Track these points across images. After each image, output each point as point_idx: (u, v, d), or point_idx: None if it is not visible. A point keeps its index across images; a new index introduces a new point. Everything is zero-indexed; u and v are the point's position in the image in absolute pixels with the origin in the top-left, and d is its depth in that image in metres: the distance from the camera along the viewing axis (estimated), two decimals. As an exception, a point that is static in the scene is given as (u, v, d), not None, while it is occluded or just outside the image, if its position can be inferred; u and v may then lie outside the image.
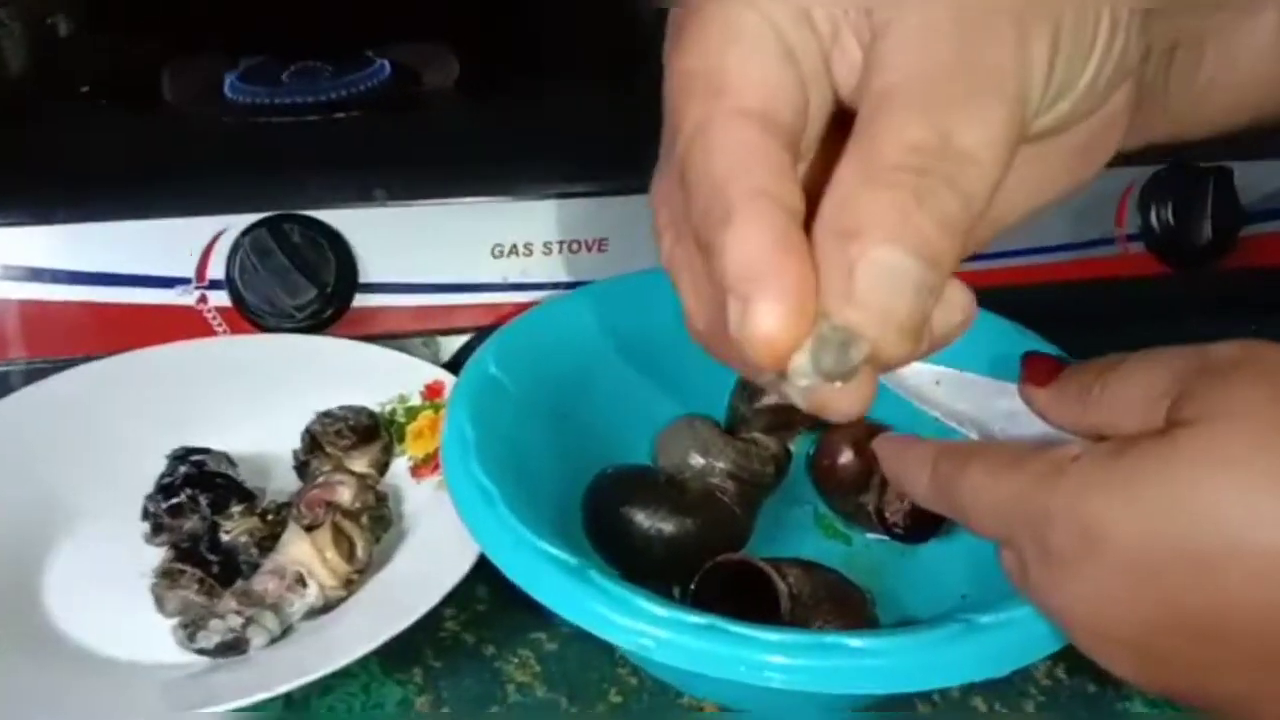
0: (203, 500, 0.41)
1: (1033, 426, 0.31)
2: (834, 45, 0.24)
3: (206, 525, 0.41)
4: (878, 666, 0.29)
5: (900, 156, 0.21)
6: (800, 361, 0.21)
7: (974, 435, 0.32)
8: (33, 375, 0.48)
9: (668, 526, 0.39)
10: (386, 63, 0.62)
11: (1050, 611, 0.28)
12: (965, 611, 0.31)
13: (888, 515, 0.42)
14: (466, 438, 0.36)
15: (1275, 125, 0.34)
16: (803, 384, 0.21)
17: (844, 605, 0.37)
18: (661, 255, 0.27)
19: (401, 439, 0.46)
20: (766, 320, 0.20)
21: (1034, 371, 0.31)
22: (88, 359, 0.48)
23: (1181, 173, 0.58)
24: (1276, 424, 0.25)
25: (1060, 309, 0.58)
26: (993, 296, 0.55)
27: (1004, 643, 0.30)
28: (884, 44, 0.22)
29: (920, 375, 0.33)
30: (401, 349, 0.50)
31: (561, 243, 0.53)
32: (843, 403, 0.22)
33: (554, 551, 0.32)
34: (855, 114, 0.22)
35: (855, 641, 0.30)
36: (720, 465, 0.41)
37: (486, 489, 0.34)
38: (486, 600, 0.40)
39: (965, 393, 0.33)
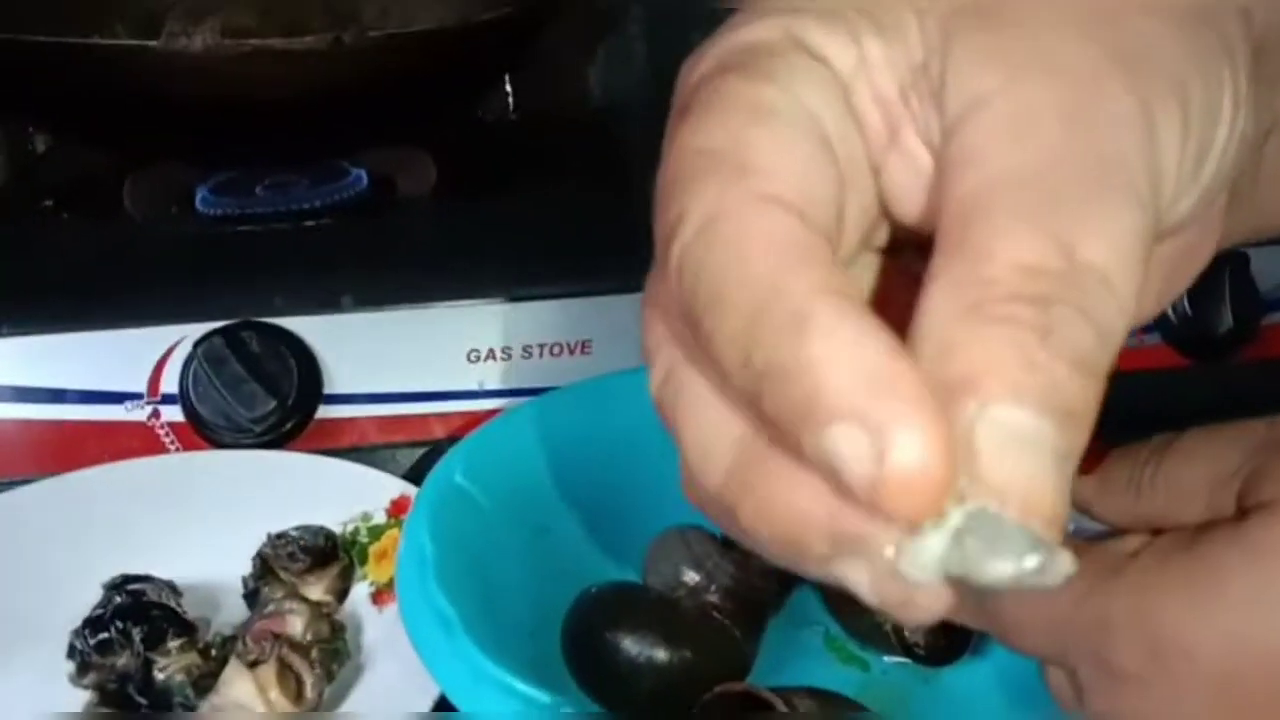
0: (135, 634, 0.36)
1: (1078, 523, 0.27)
2: (890, 146, 0.19)
3: (139, 662, 0.36)
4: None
5: (1013, 280, 0.15)
6: (933, 542, 0.15)
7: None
8: (-33, 500, 0.45)
9: (659, 654, 0.35)
10: (363, 172, 0.60)
11: None
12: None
13: (906, 634, 0.37)
14: (425, 555, 0.32)
15: None
16: (917, 574, 0.15)
17: (861, 741, 0.32)
18: (653, 383, 0.21)
19: (364, 561, 0.42)
20: (912, 450, 0.14)
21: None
22: (30, 480, 0.45)
23: (1195, 261, 0.55)
24: None
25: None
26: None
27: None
28: (967, 138, 0.17)
29: None
30: (369, 464, 0.46)
31: (542, 346, 0.50)
32: (931, 602, 0.16)
33: (521, 687, 0.27)
34: (909, 237, 0.18)
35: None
36: (717, 581, 0.37)
37: (445, 614, 0.30)
38: (455, 745, 0.36)
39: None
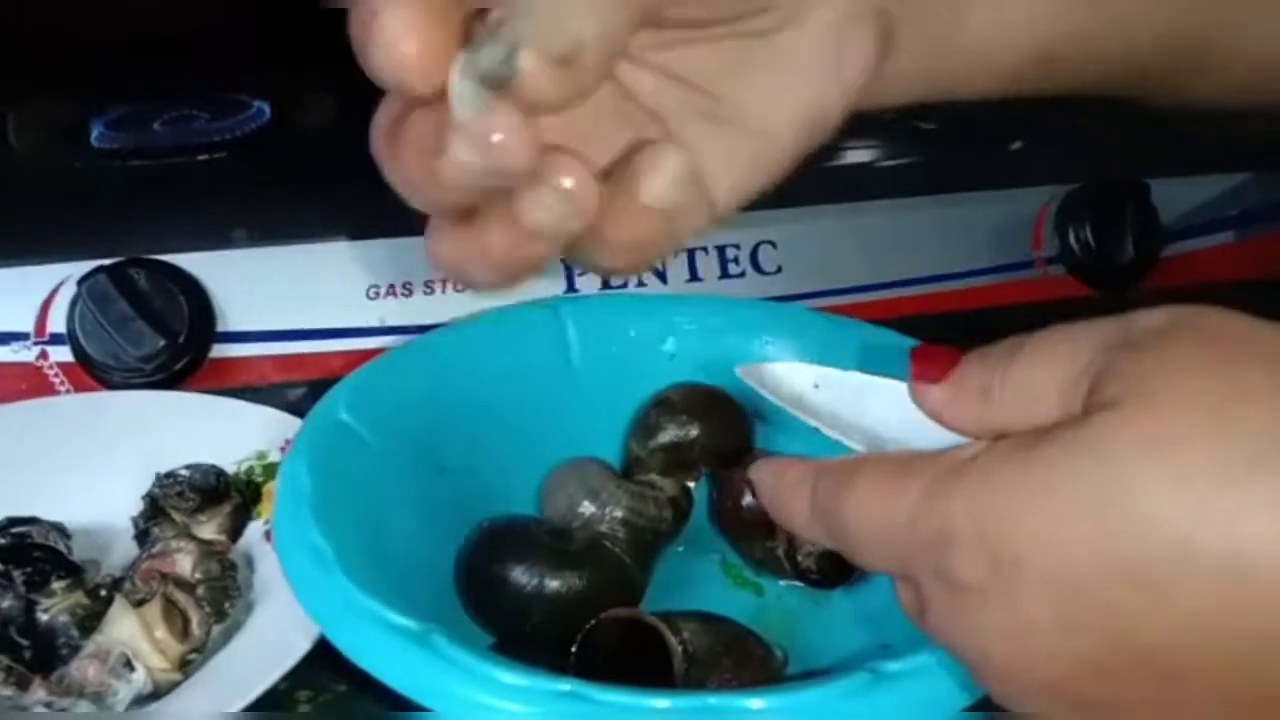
0: (17, 576, 0.36)
1: (932, 434, 0.25)
2: None
3: (22, 605, 0.35)
4: (769, 732, 0.25)
5: None
6: (455, 78, 0.20)
7: (861, 448, 0.27)
8: None
9: (550, 583, 0.35)
10: (266, 105, 0.58)
11: (959, 652, 0.23)
12: (877, 660, 0.27)
13: (799, 559, 0.38)
14: (302, 489, 0.31)
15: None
16: (465, 111, 0.20)
17: (745, 661, 0.32)
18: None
19: (257, 500, 0.41)
20: (393, 23, 0.20)
21: (925, 366, 0.25)
22: (-89, 424, 0.43)
23: (1098, 191, 0.56)
24: (1216, 399, 0.20)
25: (978, 336, 0.55)
26: (906, 324, 0.53)
27: (916, 694, 0.26)
28: None
29: (796, 376, 0.28)
30: (267, 403, 0.45)
31: (443, 281, 0.49)
32: (506, 127, 0.20)
33: (392, 618, 0.27)
34: None
35: (750, 702, 0.26)
36: (613, 512, 0.37)
37: (319, 548, 0.29)
38: (346, 682, 0.35)
39: (849, 397, 0.28)
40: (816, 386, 0.28)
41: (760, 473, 0.27)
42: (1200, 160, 0.59)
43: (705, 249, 0.52)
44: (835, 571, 0.38)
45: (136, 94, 0.58)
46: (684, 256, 0.51)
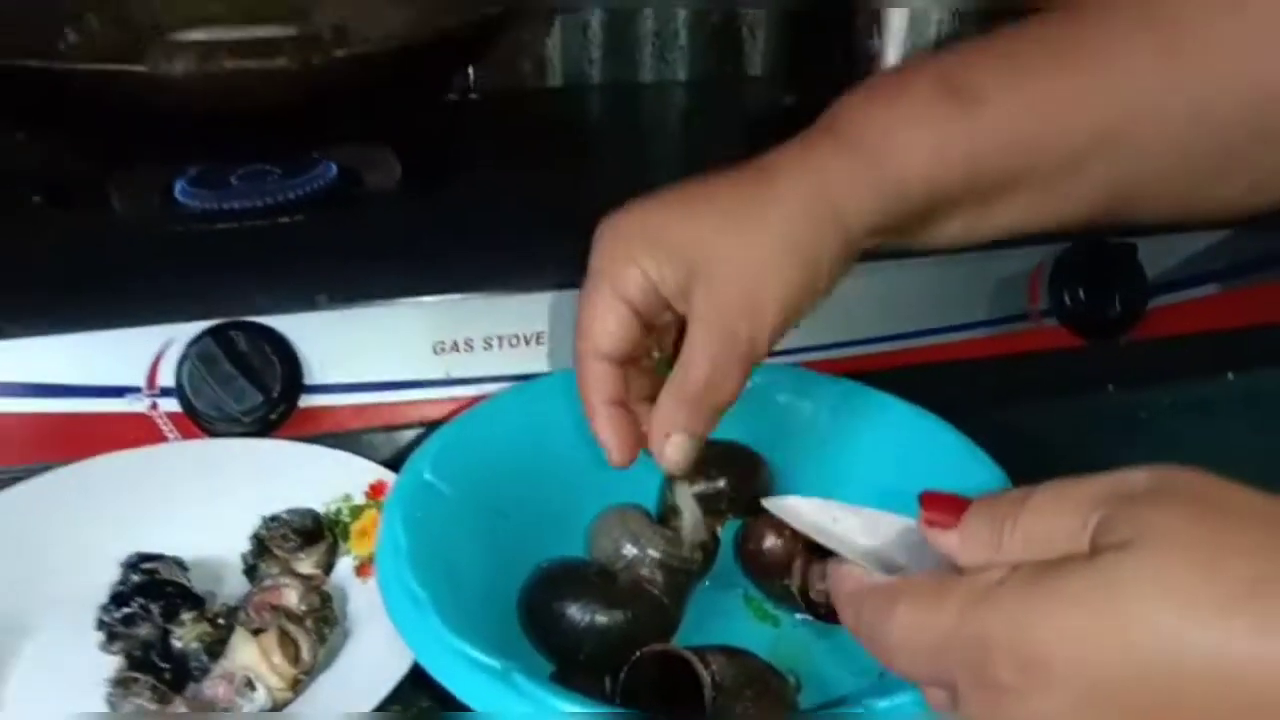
0: (154, 609, 0.42)
1: (936, 560, 0.31)
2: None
3: (158, 633, 0.42)
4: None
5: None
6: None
7: (876, 569, 0.32)
8: (-10, 485, 0.50)
9: (600, 619, 0.41)
10: (333, 164, 0.65)
11: None
12: (869, 696, 0.33)
13: (811, 595, 0.44)
14: (400, 545, 0.38)
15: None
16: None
17: (765, 691, 0.39)
18: None
19: (346, 538, 0.48)
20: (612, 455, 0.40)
21: (936, 513, 0.30)
22: (44, 468, 0.50)
23: (1088, 250, 0.62)
24: (1205, 547, 0.25)
25: (979, 384, 0.61)
26: (911, 375, 0.59)
27: (899, 726, 0.32)
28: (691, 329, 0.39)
29: (818, 512, 0.35)
30: (347, 447, 0.52)
31: (501, 337, 0.55)
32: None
33: (479, 657, 0.34)
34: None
35: (764, 731, 0.32)
36: (650, 554, 0.43)
37: (418, 595, 0.36)
38: (429, 699, 0.42)
39: (861, 526, 0.34)
40: (835, 520, 0.34)
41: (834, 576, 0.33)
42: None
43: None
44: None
45: (216, 154, 0.65)
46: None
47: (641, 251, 0.39)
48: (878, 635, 0.30)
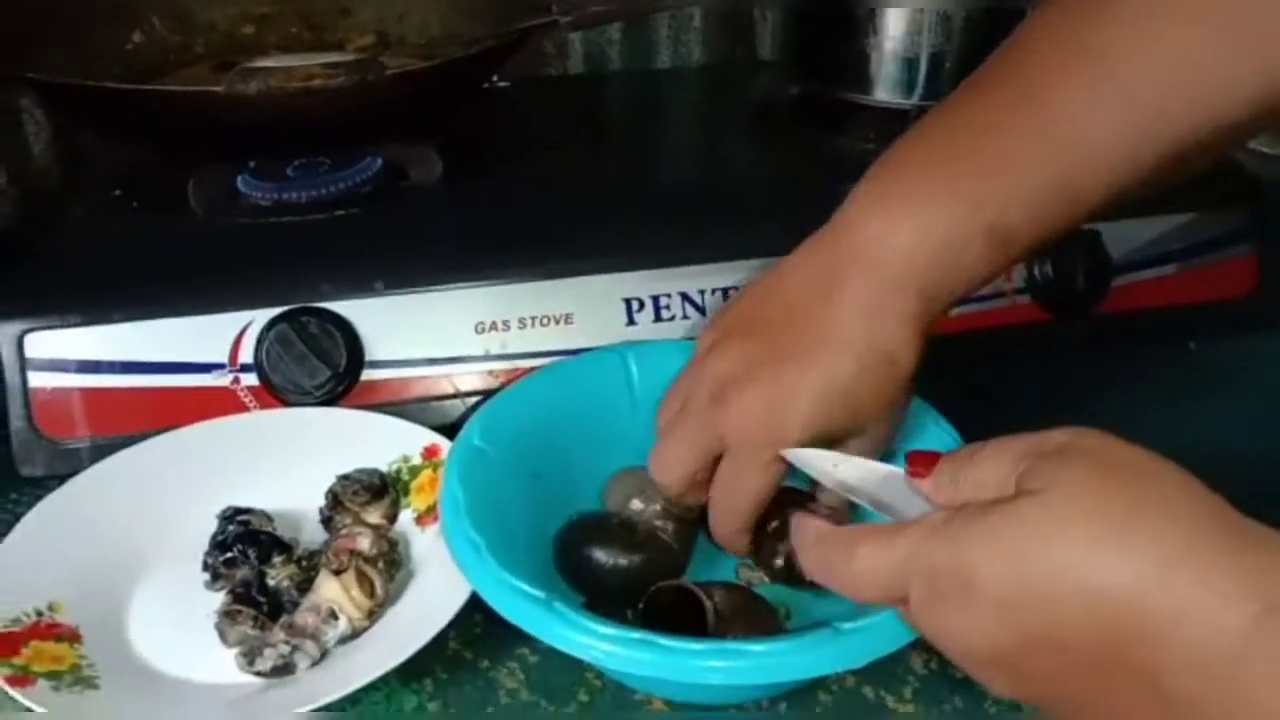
0: (251, 553, 0.51)
1: (913, 500, 0.39)
2: None
3: (255, 573, 0.51)
4: (766, 664, 0.39)
5: None
6: None
7: (868, 504, 0.42)
8: (97, 451, 0.58)
9: (621, 560, 0.49)
10: (378, 158, 0.72)
11: (938, 640, 0.36)
12: (837, 620, 0.41)
13: (773, 564, 0.51)
14: (458, 499, 0.46)
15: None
16: None
17: (756, 618, 0.47)
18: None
19: (406, 493, 0.56)
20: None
21: (916, 465, 0.39)
22: (143, 436, 0.58)
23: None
24: (1098, 497, 0.32)
25: (961, 353, 0.68)
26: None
27: (860, 642, 0.40)
28: None
29: (822, 459, 0.44)
30: (403, 415, 0.60)
31: (534, 318, 0.63)
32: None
33: (527, 589, 0.42)
34: None
35: (754, 647, 0.40)
36: (655, 505, 0.51)
37: (475, 541, 0.44)
38: (481, 624, 0.50)
39: (860, 473, 0.42)
40: (835, 465, 0.43)
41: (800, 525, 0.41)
42: (1148, 205, 0.71)
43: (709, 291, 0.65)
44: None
45: (276, 154, 0.72)
46: (704, 300, 0.65)
47: (788, 448, 0.45)
48: (841, 570, 0.38)
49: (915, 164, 0.46)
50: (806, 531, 0.40)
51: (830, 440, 0.45)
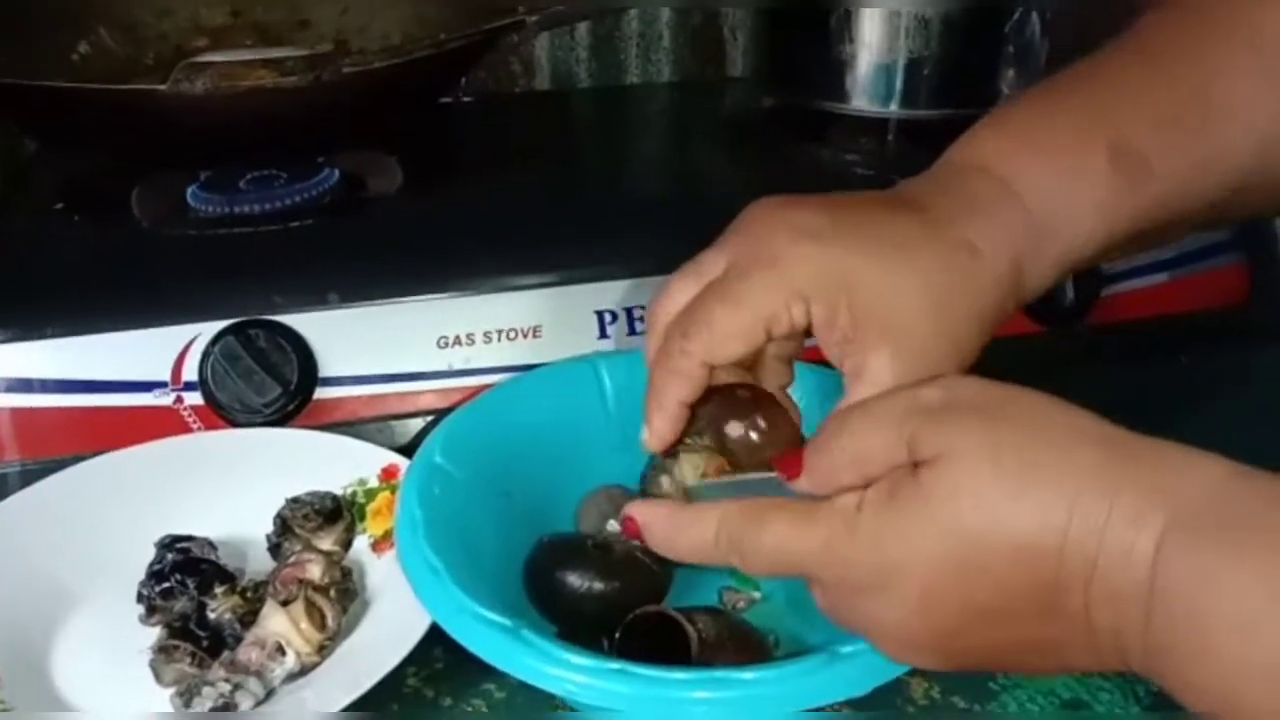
0: (190, 583, 0.47)
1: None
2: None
3: (194, 605, 0.46)
4: (756, 695, 0.35)
5: None
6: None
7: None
8: (28, 475, 0.54)
9: (597, 586, 0.45)
10: (336, 170, 0.69)
11: (856, 628, 0.36)
12: (834, 643, 0.38)
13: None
14: (416, 520, 0.43)
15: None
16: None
17: (744, 646, 0.43)
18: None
19: (362, 518, 0.52)
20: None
21: (785, 467, 0.36)
22: (78, 459, 0.54)
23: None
24: (995, 453, 0.32)
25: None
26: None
27: (859, 668, 0.37)
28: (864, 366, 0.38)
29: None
30: (359, 435, 0.56)
31: (500, 331, 0.59)
32: None
33: (492, 616, 0.38)
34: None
35: (743, 675, 0.37)
36: (630, 526, 0.47)
37: (434, 565, 0.40)
38: (443, 659, 0.46)
39: (742, 489, 0.39)
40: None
41: (644, 512, 0.39)
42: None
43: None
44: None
45: (227, 160, 0.69)
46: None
47: (819, 294, 0.38)
48: (747, 545, 0.36)
49: (1039, 100, 0.44)
50: (678, 509, 0.39)
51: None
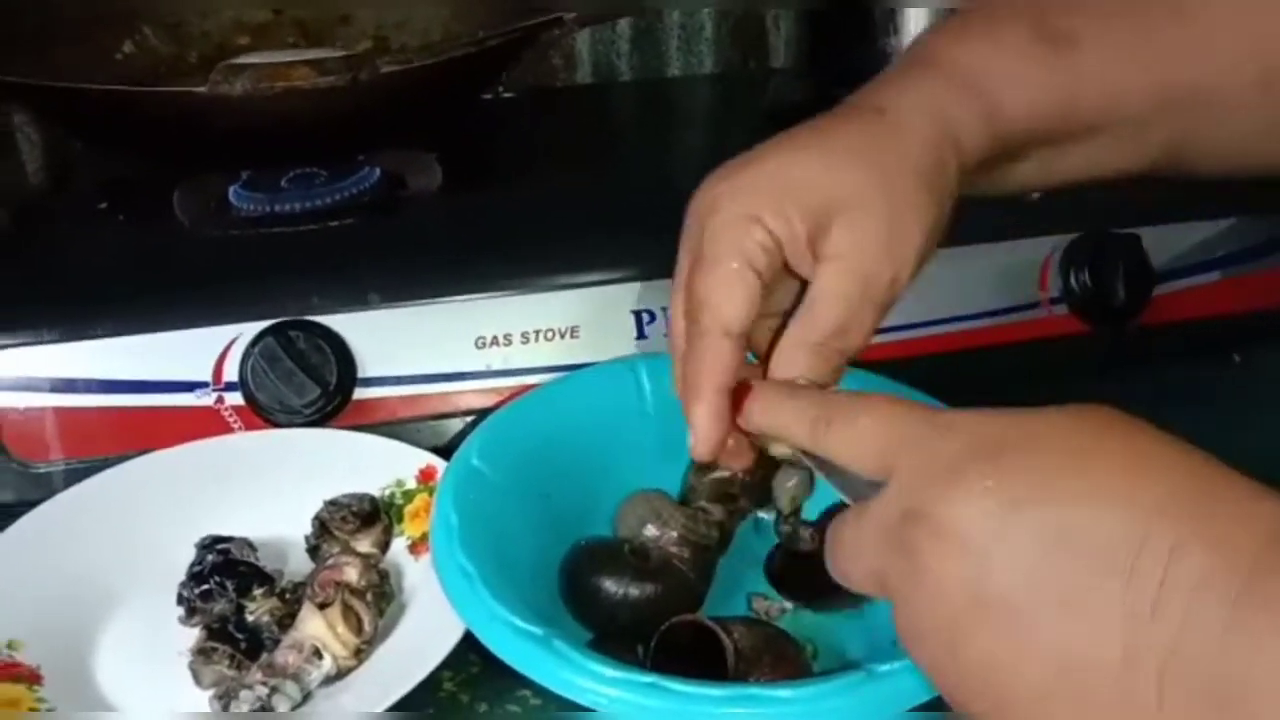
0: (229, 585, 0.47)
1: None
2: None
3: (233, 607, 0.47)
4: (793, 713, 0.35)
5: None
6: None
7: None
8: (71, 475, 0.54)
9: (632, 592, 0.45)
10: (375, 168, 0.68)
11: (906, 541, 0.31)
12: (872, 661, 0.37)
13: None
14: (451, 525, 0.42)
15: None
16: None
17: (781, 658, 0.42)
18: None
19: (400, 520, 0.52)
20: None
21: None
22: (121, 458, 0.54)
23: (1095, 239, 0.64)
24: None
25: (992, 370, 0.64)
26: (925, 364, 0.62)
27: (898, 686, 0.36)
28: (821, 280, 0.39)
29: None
30: (398, 436, 0.56)
31: (538, 332, 0.59)
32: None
33: (524, 625, 0.38)
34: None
35: (780, 692, 0.36)
36: (670, 531, 0.47)
37: (468, 571, 0.40)
38: (478, 664, 0.46)
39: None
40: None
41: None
42: (1191, 208, 0.67)
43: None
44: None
45: (268, 160, 0.69)
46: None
47: (764, 207, 0.38)
48: (841, 416, 0.35)
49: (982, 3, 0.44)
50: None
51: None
